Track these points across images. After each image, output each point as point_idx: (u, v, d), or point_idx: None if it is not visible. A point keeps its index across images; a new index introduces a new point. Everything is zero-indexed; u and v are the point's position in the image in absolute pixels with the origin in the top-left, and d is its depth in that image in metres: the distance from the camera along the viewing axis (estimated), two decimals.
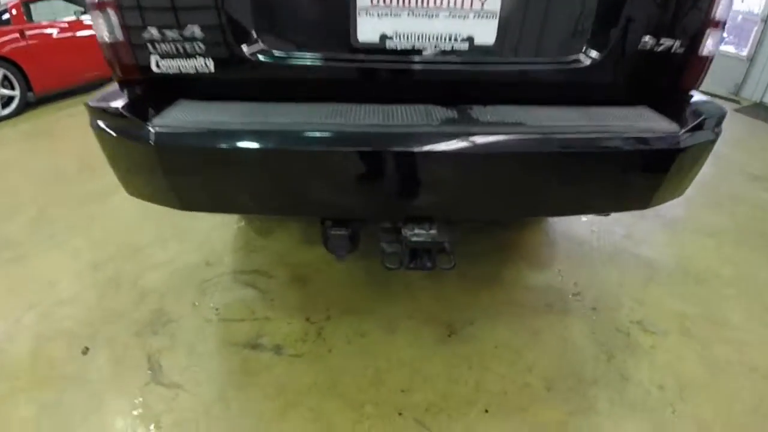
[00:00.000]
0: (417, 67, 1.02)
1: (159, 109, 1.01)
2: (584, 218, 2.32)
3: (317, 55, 1.03)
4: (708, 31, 1.03)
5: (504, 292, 1.76)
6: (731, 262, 2.07)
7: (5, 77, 4.14)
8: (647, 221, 2.38)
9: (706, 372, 1.48)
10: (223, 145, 0.93)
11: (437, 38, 0.98)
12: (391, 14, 0.95)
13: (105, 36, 1.01)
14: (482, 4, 0.95)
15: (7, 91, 4.19)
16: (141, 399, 1.33)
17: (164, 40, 0.97)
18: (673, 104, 1.09)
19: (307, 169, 0.98)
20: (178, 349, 1.49)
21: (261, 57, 1.00)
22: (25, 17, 4.36)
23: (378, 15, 0.95)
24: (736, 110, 5.18)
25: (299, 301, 1.69)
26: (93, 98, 1.09)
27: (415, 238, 1.11)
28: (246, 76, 1.03)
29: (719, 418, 1.32)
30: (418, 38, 0.98)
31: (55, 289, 1.82)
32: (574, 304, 1.72)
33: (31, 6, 4.49)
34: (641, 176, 1.07)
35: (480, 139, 0.95)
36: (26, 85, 4.31)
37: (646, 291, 1.84)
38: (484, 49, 1.02)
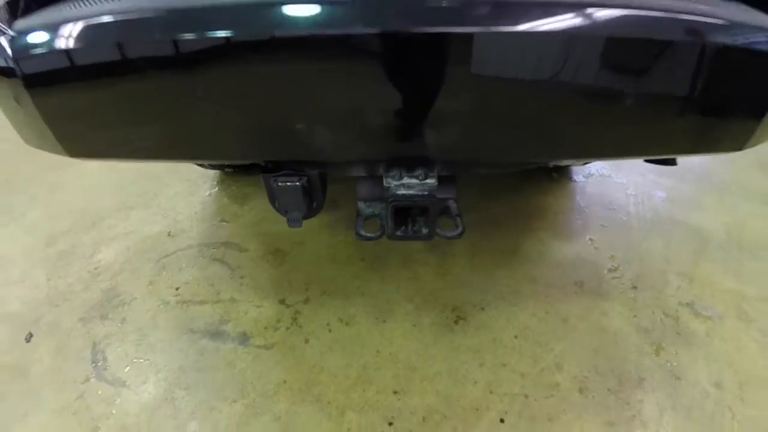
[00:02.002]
0: None
1: (27, 11, 0.68)
2: (618, 179, 1.97)
3: None
4: None
5: (524, 268, 1.45)
6: None
7: None
8: (690, 184, 2.02)
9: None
10: (101, 42, 0.61)
11: None
12: None
13: None
14: None
15: None
16: (81, 397, 1.10)
17: None
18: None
19: (226, 72, 0.64)
20: (126, 336, 1.24)
21: None
22: None
23: None
24: None
25: (274, 279, 1.40)
26: None
27: (402, 191, 0.76)
28: None
29: None
30: None
31: (4, 266, 1.58)
32: (611, 282, 1.41)
33: None
34: (753, 90, 0.71)
35: (504, 12, 0.58)
36: None
37: (696, 266, 1.51)
38: None
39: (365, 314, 1.27)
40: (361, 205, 0.89)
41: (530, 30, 0.59)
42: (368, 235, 0.89)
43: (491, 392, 1.06)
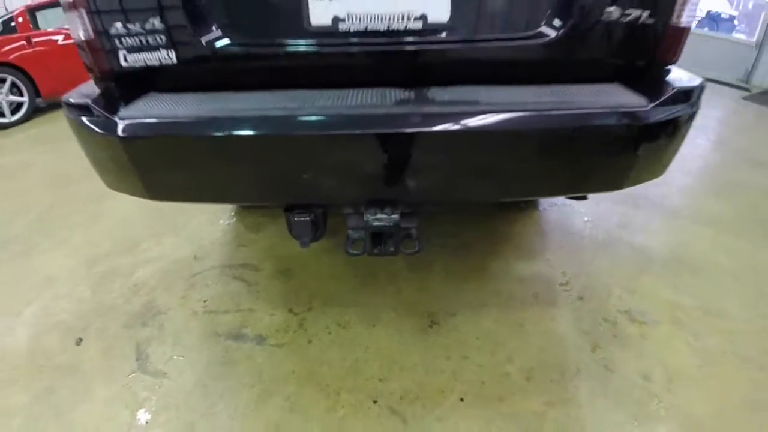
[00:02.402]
0: (371, 49, 1.02)
1: (128, 101, 1.04)
2: (578, 208, 2.28)
3: (272, 41, 1.04)
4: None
5: (490, 283, 1.75)
6: (729, 251, 2.01)
7: (14, 84, 4.29)
8: (643, 210, 2.33)
9: (696, 363, 1.44)
10: (182, 134, 0.96)
11: (390, 18, 0.98)
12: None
13: (78, 34, 1.04)
14: None
15: (15, 98, 4.34)
16: (128, 387, 1.37)
17: (129, 34, 1.00)
18: (646, 79, 1.05)
19: (262, 154, 0.99)
20: (165, 339, 1.53)
21: (219, 46, 1.02)
22: (31, 25, 4.49)
23: None
24: (745, 98, 5.02)
25: (283, 293, 1.71)
26: (68, 93, 1.13)
27: (376, 223, 1.10)
28: (207, 66, 1.06)
29: (709, 410, 1.28)
30: (371, 19, 0.98)
31: (55, 284, 1.88)
32: (561, 294, 1.70)
33: (37, 13, 4.62)
34: (608, 154, 1.04)
35: (433, 120, 0.94)
36: (34, 91, 4.45)
37: (638, 281, 1.80)
38: (438, 27, 1.00)
39: (358, 320, 1.56)
40: (350, 232, 1.23)
41: (450, 129, 0.94)
42: (354, 252, 1.24)
43: (455, 379, 1.33)
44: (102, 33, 1.01)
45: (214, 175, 1.06)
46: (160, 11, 0.97)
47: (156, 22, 0.97)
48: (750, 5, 5.56)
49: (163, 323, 1.60)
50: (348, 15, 0.97)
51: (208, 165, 1.03)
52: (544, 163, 1.04)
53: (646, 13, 0.98)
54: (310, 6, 0.98)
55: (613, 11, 0.97)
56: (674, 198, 2.53)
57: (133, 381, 1.39)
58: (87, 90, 1.08)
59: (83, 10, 1.00)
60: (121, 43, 1.01)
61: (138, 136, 0.97)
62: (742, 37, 5.77)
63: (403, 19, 0.98)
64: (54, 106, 4.74)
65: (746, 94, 5.20)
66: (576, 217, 2.21)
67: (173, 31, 0.99)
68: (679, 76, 1.10)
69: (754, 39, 5.53)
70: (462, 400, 1.27)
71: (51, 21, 4.68)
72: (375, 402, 1.26)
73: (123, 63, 1.03)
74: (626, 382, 1.36)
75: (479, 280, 1.76)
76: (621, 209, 2.30)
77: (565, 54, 1.05)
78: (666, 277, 1.83)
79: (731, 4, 8.26)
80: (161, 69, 1.03)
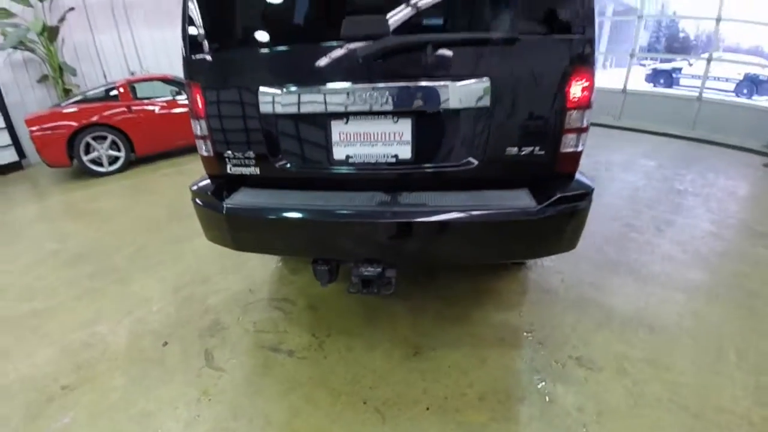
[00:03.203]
0: (366, 172, 1.68)
1: (230, 193, 1.77)
2: (556, 269, 2.70)
3: (312, 166, 1.74)
4: (563, 137, 1.54)
5: (468, 327, 2.21)
6: (696, 315, 2.27)
7: (113, 141, 5.50)
8: (619, 275, 2.67)
9: (629, 404, 1.75)
10: (261, 215, 1.65)
11: (377, 156, 1.65)
12: (350, 145, 1.64)
13: (203, 152, 1.80)
14: (401, 136, 1.60)
15: (114, 153, 5.56)
16: (198, 377, 1.97)
17: (234, 157, 1.74)
18: (542, 187, 1.59)
19: (302, 229, 1.66)
20: (225, 347, 2.15)
21: (283, 166, 1.74)
22: (131, 95, 5.70)
23: (344, 145, 1.64)
24: (766, 165, 5.14)
25: (310, 322, 2.29)
26: (193, 183, 1.88)
27: (366, 273, 1.71)
28: (277, 176, 1.77)
29: None
30: (366, 157, 1.66)
31: (148, 303, 2.61)
32: (525, 339, 2.12)
33: (136, 85, 5.84)
34: (512, 237, 1.57)
35: (400, 213, 1.56)
36: (130, 148, 5.64)
37: (595, 334, 2.16)
38: (405, 161, 1.66)
39: (361, 347, 2.09)
40: (353, 278, 1.82)
41: (410, 220, 1.56)
42: (352, 291, 1.82)
43: (425, 394, 1.80)
44: (219, 154, 1.76)
45: (273, 239, 1.75)
46: (253, 147, 1.71)
47: (251, 153, 1.71)
48: None
49: (225, 336, 2.23)
50: (354, 154, 1.67)
51: (270, 232, 1.72)
52: (473, 241, 1.59)
53: (537, 148, 1.54)
54: (334, 150, 1.69)
55: (512, 150, 1.56)
56: (655, 266, 2.80)
57: (202, 373, 2.00)
58: (205, 184, 1.83)
59: (208, 141, 1.76)
60: (229, 160, 1.75)
61: (234, 214, 1.67)
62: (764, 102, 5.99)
63: (384, 157, 1.65)
64: (144, 160, 5.92)
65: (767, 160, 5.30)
66: (554, 277, 2.63)
67: (259, 158, 1.73)
68: (575, 184, 1.62)
69: None
70: (428, 408, 1.73)
71: (146, 90, 5.93)
72: (365, 403, 1.76)
73: (229, 171, 1.78)
74: (561, 411, 1.73)
75: (460, 325, 2.24)
76: (597, 273, 2.68)
77: (485, 174, 1.64)
78: (622, 333, 2.16)
79: None
80: (250, 176, 1.77)
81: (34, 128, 5.12)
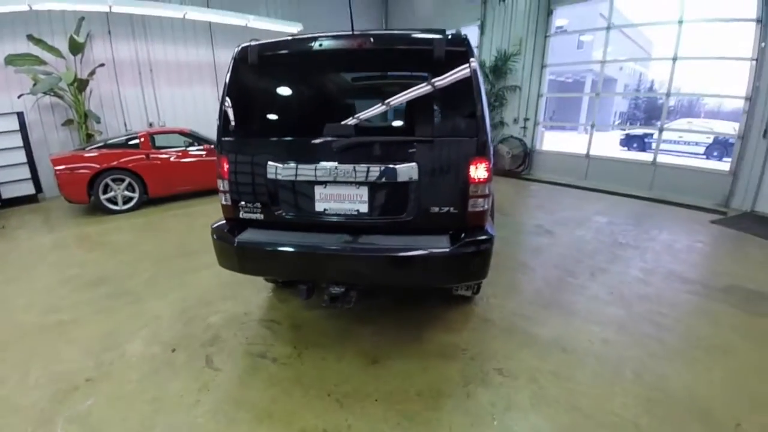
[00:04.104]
0: (337, 220, 2.38)
1: (240, 231, 2.44)
2: (496, 304, 3.30)
3: (302, 214, 2.44)
4: (470, 201, 2.26)
5: (419, 344, 2.78)
6: (606, 341, 2.81)
7: (129, 183, 6.24)
8: (548, 309, 3.26)
9: (532, 403, 2.29)
10: (262, 248, 2.31)
11: (344, 210, 2.36)
12: (327, 201, 2.36)
13: (223, 201, 2.50)
14: (361, 198, 2.32)
15: (129, 193, 6.29)
16: (200, 374, 2.50)
17: (246, 206, 2.44)
18: (459, 234, 2.28)
19: (290, 259, 2.32)
20: (222, 353, 2.69)
21: (280, 214, 2.43)
22: (150, 144, 6.50)
23: (323, 202, 2.36)
24: (713, 221, 5.62)
25: (292, 338, 2.86)
26: (213, 222, 2.55)
27: (333, 291, 2.36)
28: (275, 221, 2.46)
29: (525, 429, 2.13)
30: (337, 210, 2.37)
31: (159, 320, 3.15)
32: (460, 355, 2.68)
33: (155, 136, 6.71)
34: (434, 269, 2.23)
35: (358, 249, 2.24)
36: (143, 190, 6.37)
37: (518, 353, 2.72)
38: (363, 214, 2.36)
39: (332, 357, 2.64)
40: (324, 295, 2.45)
41: (365, 255, 2.24)
42: (324, 305, 2.47)
43: (377, 390, 2.34)
44: (235, 203, 2.46)
45: (269, 265, 2.41)
46: (259, 200, 2.41)
47: (258, 204, 2.41)
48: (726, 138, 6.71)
49: (222, 346, 2.77)
50: (329, 208, 2.38)
51: (268, 260, 2.37)
52: (408, 270, 2.25)
53: (452, 208, 2.27)
54: (316, 204, 2.40)
55: (435, 208, 2.28)
56: (580, 304, 3.39)
57: (203, 372, 2.52)
58: (222, 224, 2.51)
59: (228, 194, 2.46)
60: (242, 208, 2.45)
61: (243, 247, 2.34)
62: (717, 165, 7.01)
63: (349, 211, 2.36)
64: (154, 201, 6.58)
65: (715, 217, 5.79)
66: (494, 310, 3.23)
67: (263, 208, 2.43)
68: (481, 232, 2.31)
69: (728, 168, 6.61)
70: (377, 400, 2.27)
71: (163, 140, 6.76)
72: (329, 395, 2.30)
73: (241, 216, 2.47)
74: (477, 405, 2.26)
75: (414, 342, 2.80)
76: (531, 308, 3.28)
77: (417, 224, 2.33)
78: (540, 353, 2.72)
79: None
80: (256, 220, 2.46)
81: (60, 167, 5.81)
